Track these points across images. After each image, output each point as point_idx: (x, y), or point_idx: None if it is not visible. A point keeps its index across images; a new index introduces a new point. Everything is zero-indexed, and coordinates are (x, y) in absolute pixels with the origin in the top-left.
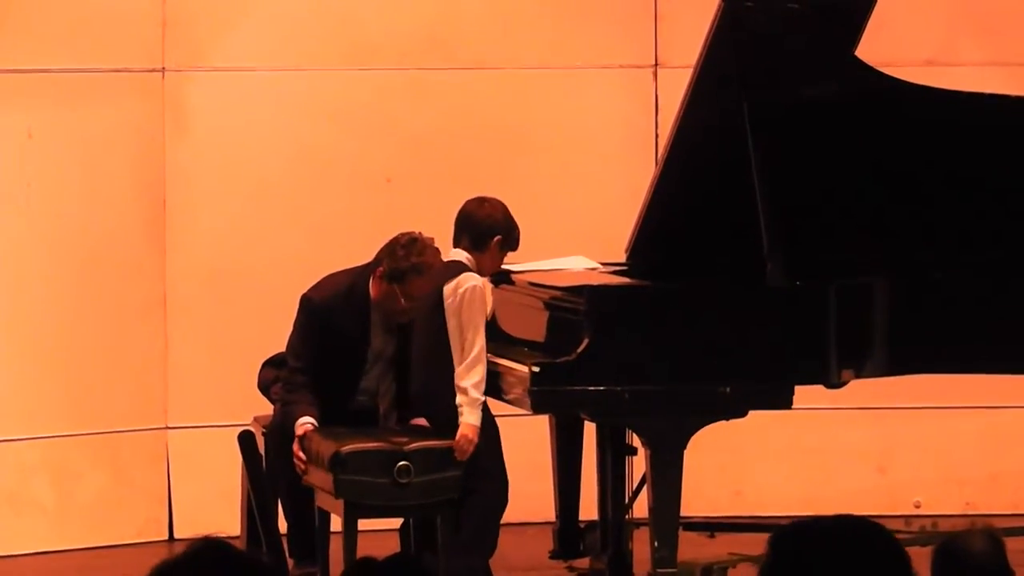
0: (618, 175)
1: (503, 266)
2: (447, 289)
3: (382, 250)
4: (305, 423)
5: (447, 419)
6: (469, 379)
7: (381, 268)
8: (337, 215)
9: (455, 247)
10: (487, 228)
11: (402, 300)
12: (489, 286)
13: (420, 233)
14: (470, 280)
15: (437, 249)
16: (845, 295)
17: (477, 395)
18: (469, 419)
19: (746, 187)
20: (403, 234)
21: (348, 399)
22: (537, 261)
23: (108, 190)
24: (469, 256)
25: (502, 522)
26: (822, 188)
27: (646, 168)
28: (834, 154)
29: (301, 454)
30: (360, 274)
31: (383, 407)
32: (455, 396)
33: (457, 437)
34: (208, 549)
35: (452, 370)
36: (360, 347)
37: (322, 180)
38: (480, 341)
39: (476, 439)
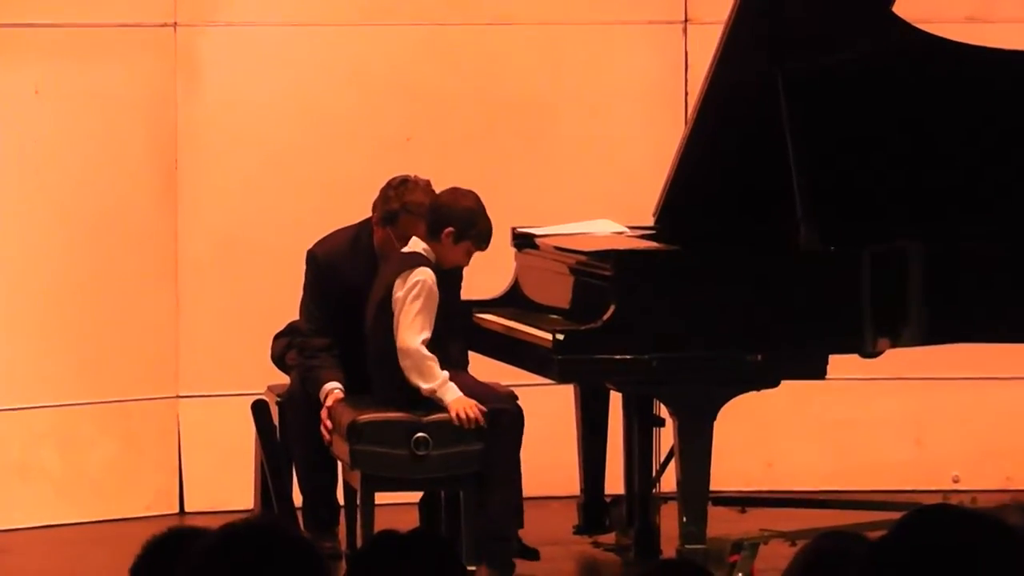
0: (645, 135)
1: (525, 229)
2: (398, 282)
3: (377, 196)
4: (333, 388)
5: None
6: (424, 382)
7: (376, 214)
8: (355, 176)
9: (418, 235)
10: (441, 217)
11: (397, 245)
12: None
13: (415, 175)
14: (418, 275)
15: (433, 191)
16: (880, 261)
17: (438, 384)
18: (449, 398)
19: (779, 149)
20: (395, 177)
21: (363, 359)
22: (561, 225)
23: (117, 150)
24: (427, 247)
25: (526, 496)
26: (857, 150)
27: (675, 128)
28: (869, 115)
29: (329, 423)
30: (364, 225)
31: None
32: (409, 397)
33: (453, 418)
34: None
35: (401, 372)
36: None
37: (339, 139)
38: (417, 340)
39: (470, 402)
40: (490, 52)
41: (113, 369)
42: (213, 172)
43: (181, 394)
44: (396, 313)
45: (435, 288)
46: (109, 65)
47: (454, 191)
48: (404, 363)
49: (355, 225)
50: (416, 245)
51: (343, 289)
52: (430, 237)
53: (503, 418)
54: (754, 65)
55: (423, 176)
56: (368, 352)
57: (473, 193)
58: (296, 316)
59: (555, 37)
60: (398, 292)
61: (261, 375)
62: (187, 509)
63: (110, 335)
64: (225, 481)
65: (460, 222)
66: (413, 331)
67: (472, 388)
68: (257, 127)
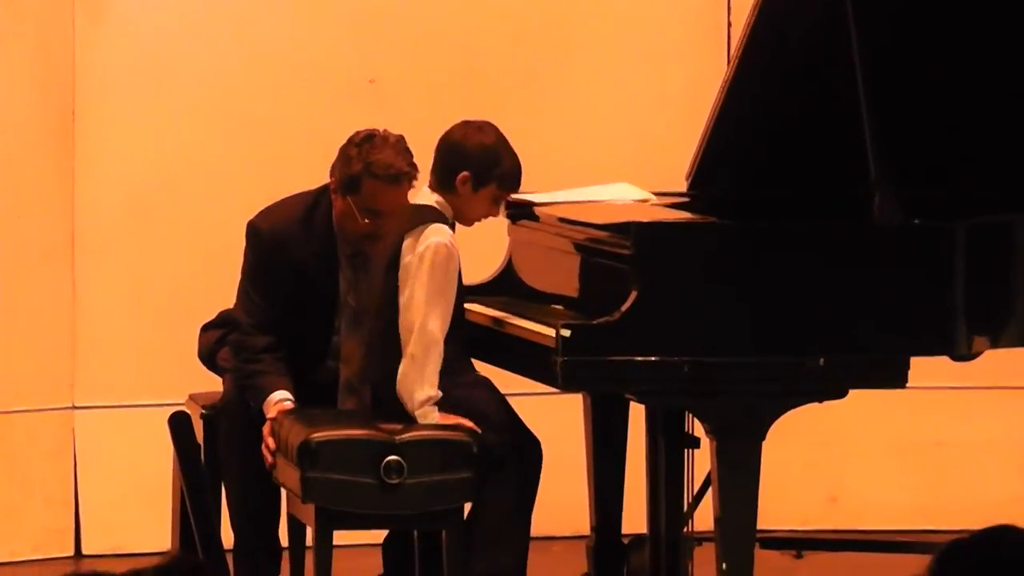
0: (678, 79)
1: (522, 196)
2: (407, 243)
3: (336, 157)
4: (281, 399)
5: (401, 410)
6: (416, 391)
7: (334, 179)
8: (304, 128)
9: (428, 185)
10: (452, 160)
11: (361, 216)
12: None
13: (384, 130)
14: (434, 235)
15: (407, 149)
16: (978, 238)
17: (420, 400)
18: (424, 421)
19: (846, 96)
20: (358, 132)
21: (317, 363)
22: (568, 190)
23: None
24: (440, 199)
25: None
26: (949, 98)
27: (714, 70)
28: (965, 52)
29: (271, 441)
30: (321, 193)
31: (346, 373)
32: None
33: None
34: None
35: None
36: (327, 289)
37: (284, 83)
38: (433, 323)
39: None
40: None
41: None
42: (120, 123)
43: (78, 404)
44: (406, 285)
45: (455, 254)
46: None
47: (465, 125)
48: (411, 347)
49: (310, 192)
50: (427, 197)
51: (292, 274)
52: (441, 188)
53: (530, 454)
54: None
55: (394, 131)
56: (369, 331)
57: (489, 124)
58: (229, 305)
59: None
60: (407, 256)
61: (181, 380)
62: (85, 551)
63: None
64: (133, 515)
65: (477, 162)
66: (431, 313)
67: (478, 405)
68: (176, 68)
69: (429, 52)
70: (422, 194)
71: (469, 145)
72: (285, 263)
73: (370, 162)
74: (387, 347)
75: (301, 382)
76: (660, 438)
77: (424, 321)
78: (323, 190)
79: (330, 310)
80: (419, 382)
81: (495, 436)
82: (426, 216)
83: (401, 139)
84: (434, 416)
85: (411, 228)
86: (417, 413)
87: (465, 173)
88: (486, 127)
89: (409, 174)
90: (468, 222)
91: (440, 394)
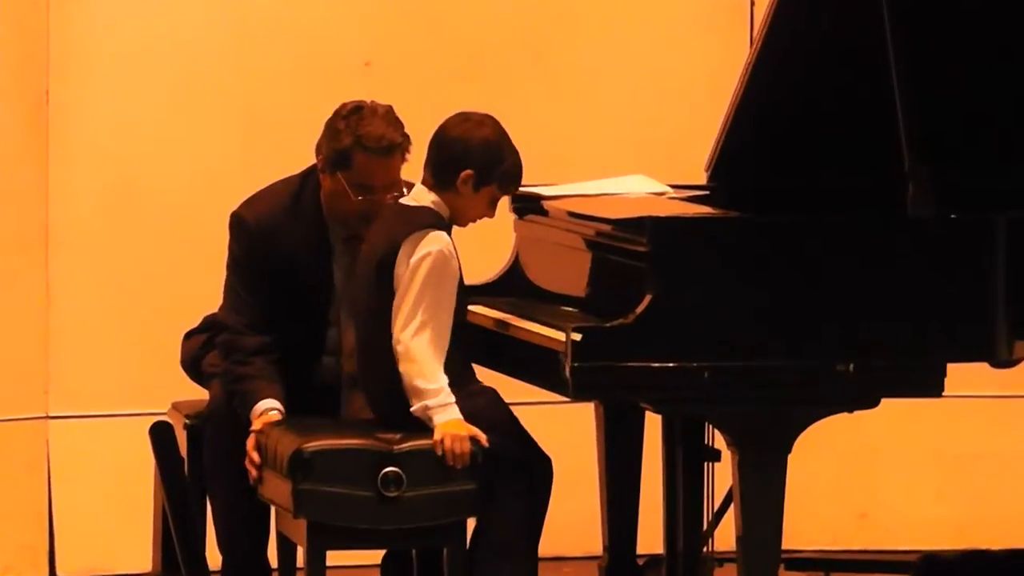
0: (696, 62)
1: (530, 189)
2: (402, 251)
3: (322, 133)
4: (268, 408)
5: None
6: (426, 382)
7: (321, 156)
8: (295, 113)
9: (421, 182)
10: (453, 156)
11: (354, 194)
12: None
13: (372, 101)
14: (430, 244)
15: (398, 120)
16: (1019, 231)
17: (440, 397)
18: (440, 419)
19: (878, 80)
20: (345, 104)
21: (313, 362)
22: (578, 183)
23: None
24: (436, 198)
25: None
26: (988, 82)
27: (736, 53)
28: (1006, 33)
29: (256, 455)
30: (307, 175)
31: (349, 368)
32: (400, 389)
33: (437, 445)
34: None
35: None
36: (320, 279)
37: (274, 64)
38: (428, 338)
39: (465, 434)
40: None
41: None
42: (98, 106)
43: (52, 413)
44: (398, 295)
45: (453, 262)
46: None
47: (464, 118)
48: (404, 366)
49: (295, 176)
50: (422, 196)
51: (282, 265)
52: (439, 186)
53: (539, 471)
54: None
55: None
56: (356, 338)
57: (490, 117)
58: (215, 305)
59: None
60: (401, 267)
61: (163, 387)
62: (59, 571)
63: None
64: (111, 533)
65: (480, 160)
66: (417, 326)
67: (493, 418)
68: (160, 48)
69: (427, 33)
70: (417, 192)
71: (472, 141)
72: (274, 254)
73: (360, 135)
74: (375, 357)
75: (296, 383)
76: (678, 450)
77: (418, 337)
78: (309, 172)
79: (324, 302)
80: (424, 380)
81: (502, 445)
82: (422, 220)
83: (390, 109)
84: (451, 411)
85: (406, 234)
86: (430, 411)
87: (468, 172)
88: (487, 120)
89: (402, 145)
90: (464, 223)
91: (446, 385)
